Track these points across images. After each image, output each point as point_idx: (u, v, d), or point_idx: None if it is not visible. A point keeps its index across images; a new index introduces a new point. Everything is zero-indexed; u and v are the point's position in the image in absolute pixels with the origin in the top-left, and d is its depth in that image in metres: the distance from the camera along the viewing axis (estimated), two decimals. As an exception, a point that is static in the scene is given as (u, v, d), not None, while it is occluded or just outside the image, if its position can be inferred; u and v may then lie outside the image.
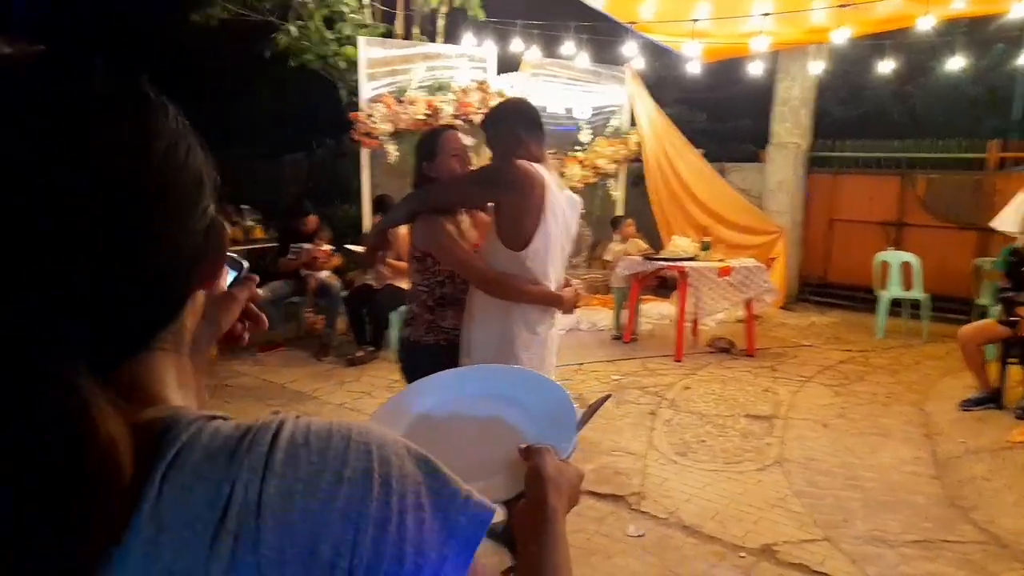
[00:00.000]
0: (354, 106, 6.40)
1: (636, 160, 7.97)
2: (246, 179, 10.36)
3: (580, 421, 0.97)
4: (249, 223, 7.21)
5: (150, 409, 0.45)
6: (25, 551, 0.38)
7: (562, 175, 7.21)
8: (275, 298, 5.79)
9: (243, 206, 7.33)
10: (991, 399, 4.35)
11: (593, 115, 7.70)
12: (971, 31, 8.54)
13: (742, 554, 2.77)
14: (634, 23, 6.94)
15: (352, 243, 5.97)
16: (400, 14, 7.65)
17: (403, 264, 4.95)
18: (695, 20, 6.42)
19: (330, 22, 7.37)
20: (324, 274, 5.85)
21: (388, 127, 6.19)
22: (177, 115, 0.49)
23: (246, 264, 0.63)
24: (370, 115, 6.15)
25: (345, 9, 7.30)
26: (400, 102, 6.25)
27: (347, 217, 8.23)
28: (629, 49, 7.23)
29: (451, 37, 7.50)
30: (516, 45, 7.24)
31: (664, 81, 10.32)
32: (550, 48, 7.47)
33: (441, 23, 7.65)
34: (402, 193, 2.64)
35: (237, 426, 0.45)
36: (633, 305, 6.35)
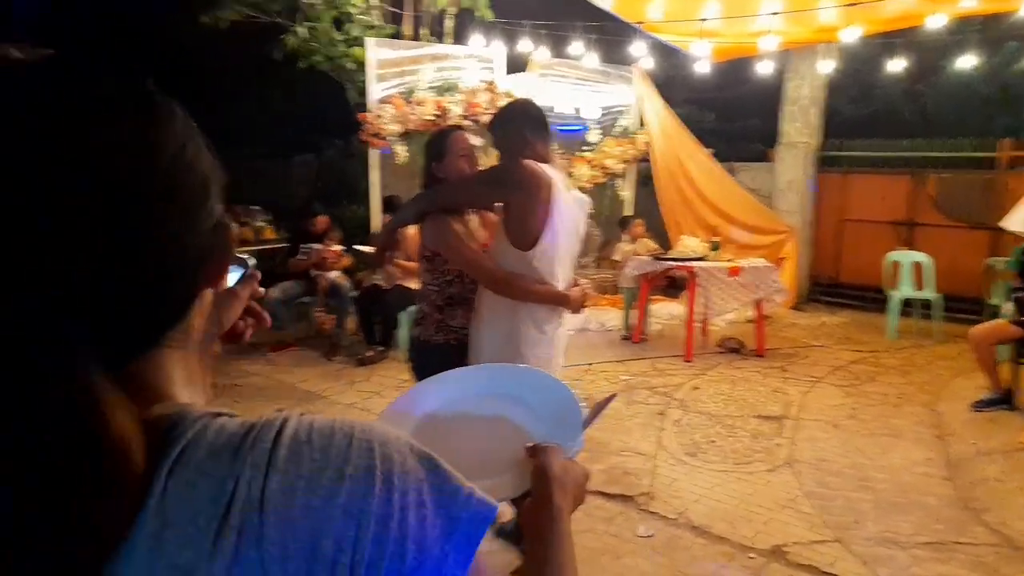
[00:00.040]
0: (363, 107, 6.42)
1: (645, 160, 7.96)
2: (255, 180, 10.41)
3: (586, 420, 0.97)
4: (259, 223, 7.25)
5: (157, 406, 0.46)
6: (34, 549, 0.38)
7: (570, 175, 7.21)
8: (286, 298, 5.82)
9: (253, 207, 7.37)
10: (1003, 400, 4.32)
11: (602, 115, 7.69)
12: (983, 29, 8.48)
13: (752, 555, 2.76)
14: (642, 23, 6.93)
15: (361, 244, 5.99)
16: (408, 15, 7.67)
17: (412, 264, 4.96)
18: (703, 20, 6.40)
19: (339, 23, 7.41)
20: (334, 274, 5.87)
21: (397, 128, 6.20)
22: (184, 117, 0.50)
23: (252, 262, 0.63)
24: (379, 116, 6.16)
25: (353, 10, 7.33)
26: (408, 103, 6.26)
27: (356, 218, 8.26)
28: (637, 49, 7.21)
29: (459, 38, 7.51)
30: (524, 45, 7.25)
31: (673, 81, 10.30)
32: (558, 48, 7.47)
33: (449, 24, 7.67)
34: (411, 194, 2.64)
35: (242, 423, 0.46)
36: (642, 305, 6.33)
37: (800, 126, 8.13)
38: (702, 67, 7.51)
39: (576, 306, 2.37)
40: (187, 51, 9.11)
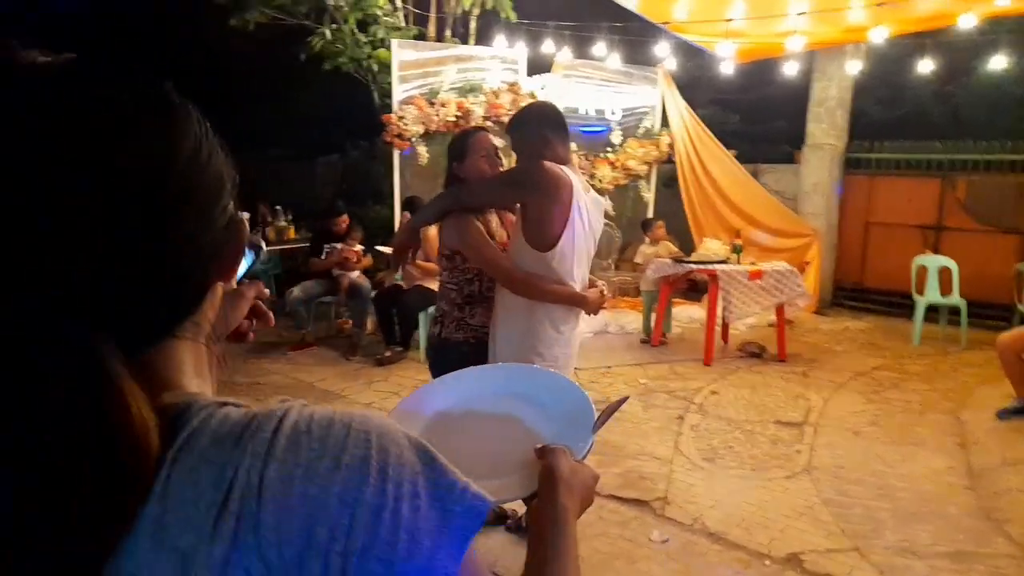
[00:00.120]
0: (387, 108, 6.46)
1: (668, 162, 7.90)
2: (281, 181, 10.53)
3: (596, 423, 0.97)
4: (282, 224, 7.33)
5: (167, 394, 0.47)
6: (34, 550, 0.40)
7: (592, 176, 7.20)
8: (307, 297, 5.88)
9: (277, 206, 7.47)
10: (1030, 409, 4.23)
11: (624, 116, 7.66)
12: (1015, 29, 8.29)
13: (767, 562, 2.74)
14: (667, 23, 6.89)
15: (383, 244, 6.04)
16: (433, 16, 7.72)
17: (431, 265, 4.98)
18: (729, 20, 6.35)
19: (363, 25, 7.47)
20: (355, 274, 5.92)
21: (419, 129, 6.24)
22: (200, 118, 0.51)
23: (264, 245, 0.65)
24: (402, 117, 6.20)
25: (378, 12, 7.38)
26: (431, 104, 6.29)
27: (379, 218, 8.32)
28: (662, 49, 7.18)
29: (483, 39, 7.54)
30: (548, 46, 7.25)
31: (697, 82, 10.21)
32: (582, 49, 7.46)
33: (473, 25, 7.70)
34: (432, 194, 2.67)
35: (245, 413, 0.47)
36: (662, 308, 6.29)
37: (826, 128, 8.03)
38: (727, 68, 7.45)
39: (593, 307, 2.38)
40: (215, 54, 9.24)
